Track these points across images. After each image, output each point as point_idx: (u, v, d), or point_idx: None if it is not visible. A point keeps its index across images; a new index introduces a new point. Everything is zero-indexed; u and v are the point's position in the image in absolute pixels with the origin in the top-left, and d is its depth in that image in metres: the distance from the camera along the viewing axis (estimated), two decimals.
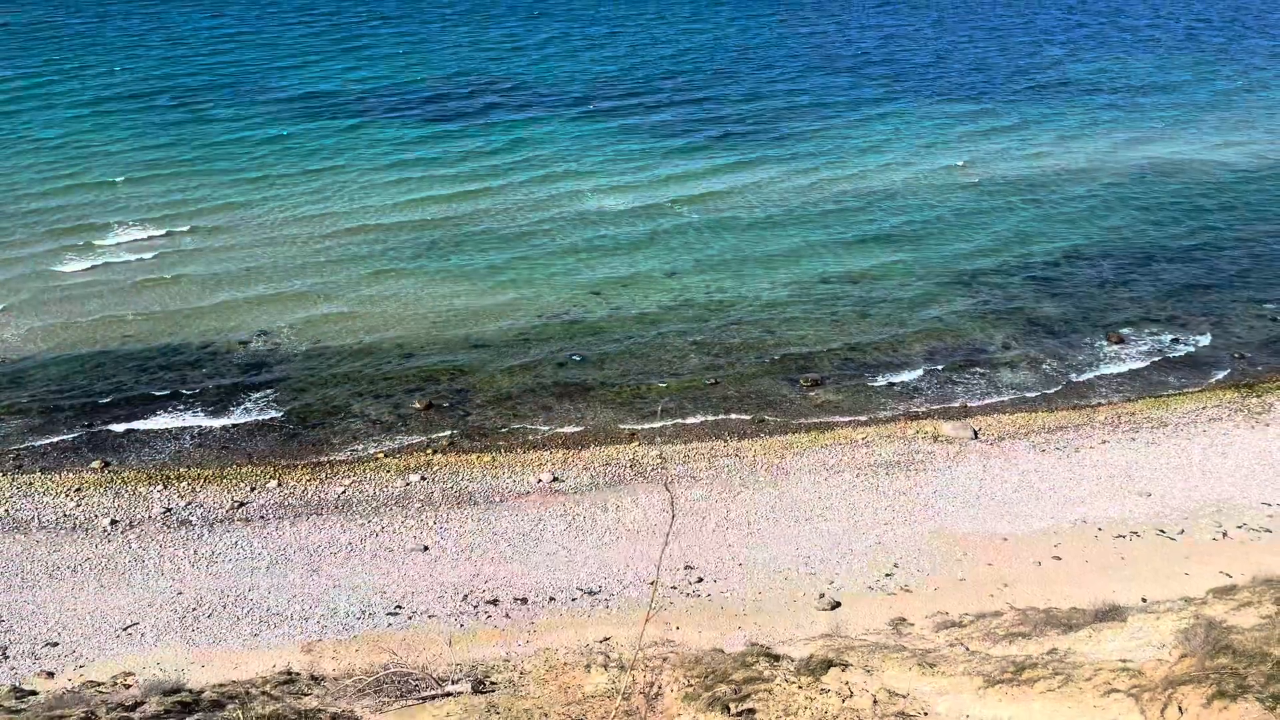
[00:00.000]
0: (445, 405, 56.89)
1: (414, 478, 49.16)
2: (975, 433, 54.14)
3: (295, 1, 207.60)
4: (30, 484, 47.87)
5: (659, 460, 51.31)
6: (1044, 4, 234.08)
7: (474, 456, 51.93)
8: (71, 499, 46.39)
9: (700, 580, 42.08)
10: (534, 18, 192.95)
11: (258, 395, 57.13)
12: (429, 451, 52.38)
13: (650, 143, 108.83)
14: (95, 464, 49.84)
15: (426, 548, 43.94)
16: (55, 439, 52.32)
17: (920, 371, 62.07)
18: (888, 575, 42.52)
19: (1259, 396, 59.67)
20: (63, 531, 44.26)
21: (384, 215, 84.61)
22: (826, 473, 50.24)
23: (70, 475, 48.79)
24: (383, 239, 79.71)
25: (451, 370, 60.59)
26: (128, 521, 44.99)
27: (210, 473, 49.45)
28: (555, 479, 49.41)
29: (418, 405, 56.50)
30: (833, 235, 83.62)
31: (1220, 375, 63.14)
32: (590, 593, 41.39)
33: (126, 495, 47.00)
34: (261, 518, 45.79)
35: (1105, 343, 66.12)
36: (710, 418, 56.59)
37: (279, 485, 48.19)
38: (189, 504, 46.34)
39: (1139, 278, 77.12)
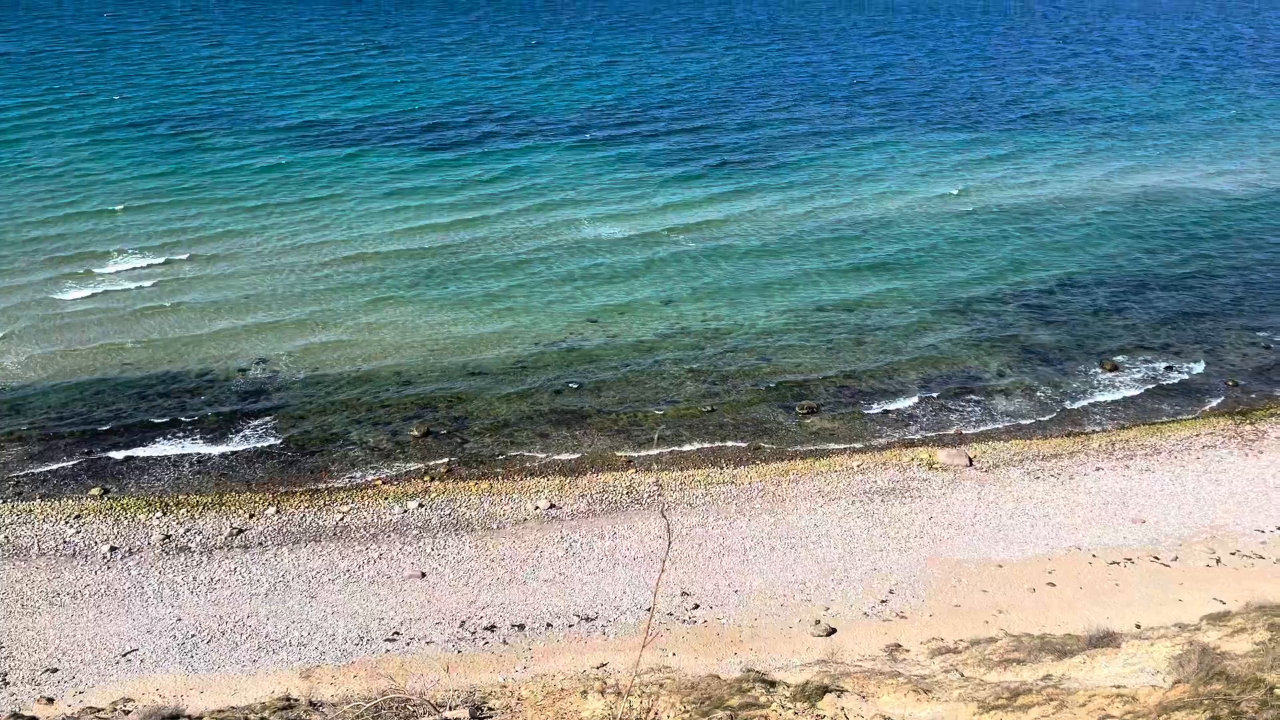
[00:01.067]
0: (443, 433, 57.08)
1: (412, 505, 49.29)
2: (970, 460, 54.39)
3: (294, 31, 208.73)
4: (30, 511, 47.94)
5: (656, 487, 51.47)
6: (1039, 34, 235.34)
7: (471, 484, 52.07)
8: (71, 526, 46.52)
9: (697, 606, 42.24)
10: (532, 47, 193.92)
11: (256, 423, 57.30)
12: (427, 479, 52.56)
13: (647, 171, 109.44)
14: (95, 491, 49.96)
15: (424, 574, 44.08)
16: (55, 466, 52.42)
17: (915, 399, 62.41)
18: (883, 601, 42.71)
19: (1252, 424, 60.01)
20: (63, 558, 44.35)
21: (382, 243, 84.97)
22: (822, 500, 50.45)
23: (70, 502, 48.89)
24: (381, 267, 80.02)
25: (449, 398, 60.82)
26: (127, 548, 45.13)
27: (209, 500, 49.60)
28: (552, 506, 49.60)
29: (415, 432, 56.69)
30: (828, 263, 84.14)
31: (1214, 403, 63.47)
32: (587, 619, 41.56)
33: (126, 522, 47.10)
34: (260, 544, 45.92)
35: (1099, 370, 66.51)
36: (707, 445, 56.86)
37: (278, 512, 48.36)
38: (188, 530, 46.52)
39: (1133, 305, 77.60)
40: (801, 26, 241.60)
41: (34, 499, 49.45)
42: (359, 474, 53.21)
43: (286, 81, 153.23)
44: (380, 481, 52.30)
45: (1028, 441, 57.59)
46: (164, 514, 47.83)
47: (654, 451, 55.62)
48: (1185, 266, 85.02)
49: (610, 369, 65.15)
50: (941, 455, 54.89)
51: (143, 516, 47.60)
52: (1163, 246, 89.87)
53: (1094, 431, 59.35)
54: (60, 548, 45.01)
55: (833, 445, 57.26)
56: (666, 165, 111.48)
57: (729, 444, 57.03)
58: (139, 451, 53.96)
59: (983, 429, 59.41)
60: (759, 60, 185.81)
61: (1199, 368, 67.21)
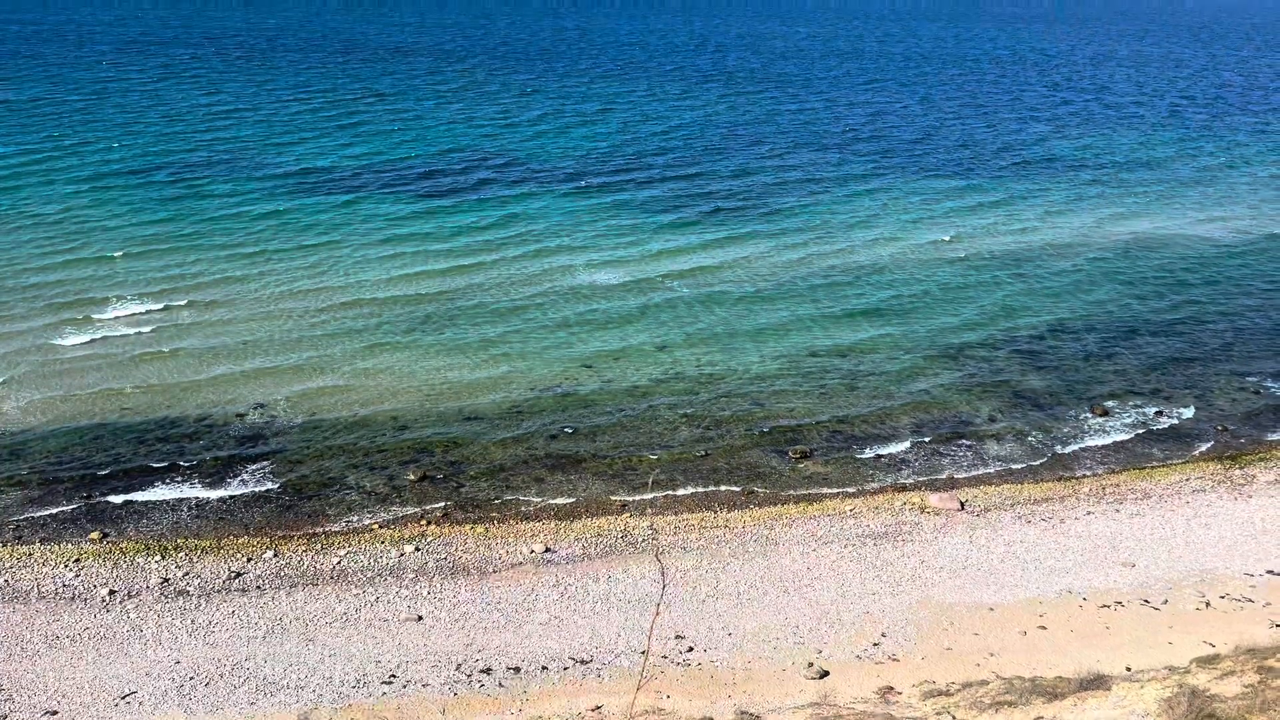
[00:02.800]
0: (439, 477, 57.39)
1: (408, 548, 49.52)
2: (962, 504, 54.79)
3: (291, 79, 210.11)
4: (30, 554, 48.18)
5: (650, 531, 51.75)
6: (1029, 81, 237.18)
7: (467, 527, 52.34)
8: (70, 569, 46.75)
9: (691, 649, 42.46)
10: (526, 95, 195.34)
11: (254, 467, 57.61)
12: (423, 522, 52.80)
13: (641, 218, 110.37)
14: (94, 535, 50.21)
15: (421, 617, 44.31)
16: (54, 510, 52.69)
17: (908, 444, 62.76)
18: (875, 644, 42.92)
19: (1242, 468, 60.45)
20: (62, 601, 44.57)
21: (379, 289, 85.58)
22: (815, 543, 50.76)
23: (69, 546, 49.15)
24: (377, 313, 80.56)
25: (445, 442, 61.16)
26: (126, 591, 45.35)
27: (207, 543, 49.81)
28: (548, 549, 49.87)
29: (412, 477, 56.99)
30: (821, 309, 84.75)
31: (1204, 447, 63.90)
32: (582, 662, 41.76)
33: (125, 566, 47.33)
34: (258, 588, 46.15)
35: (1090, 415, 66.96)
36: (700, 489, 57.15)
37: (275, 556, 48.59)
38: (186, 574, 46.74)
39: (1123, 351, 78.13)
40: (795, 74, 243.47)
41: (34, 543, 49.67)
42: (356, 518, 53.47)
43: (284, 129, 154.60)
44: (377, 525, 52.59)
45: (1019, 485, 57.99)
46: (163, 557, 48.10)
47: (648, 496, 55.98)
48: (1175, 312, 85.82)
49: (605, 414, 65.57)
50: (933, 499, 55.29)
51: (141, 560, 47.85)
52: (1153, 292, 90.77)
53: (1085, 476, 59.71)
54: (60, 591, 45.23)
55: (826, 489, 57.59)
56: (661, 212, 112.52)
57: (723, 488, 57.31)
58: (138, 496, 54.23)
59: (974, 473, 59.74)
60: (752, 108, 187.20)
61: (1189, 413, 67.67)
